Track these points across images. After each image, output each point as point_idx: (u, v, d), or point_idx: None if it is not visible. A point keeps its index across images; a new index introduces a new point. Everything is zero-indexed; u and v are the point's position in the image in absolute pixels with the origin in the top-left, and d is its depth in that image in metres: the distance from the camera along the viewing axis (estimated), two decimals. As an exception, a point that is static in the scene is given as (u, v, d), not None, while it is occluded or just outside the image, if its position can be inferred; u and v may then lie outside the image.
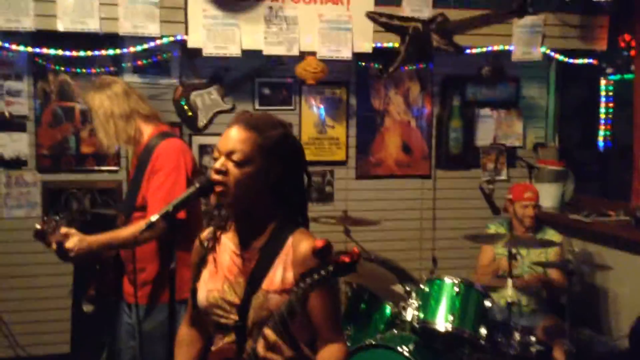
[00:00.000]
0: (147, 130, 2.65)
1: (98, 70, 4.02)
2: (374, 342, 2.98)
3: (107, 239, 2.44)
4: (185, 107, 4.14)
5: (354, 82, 4.50)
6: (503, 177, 4.71)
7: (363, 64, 4.43)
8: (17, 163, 3.95)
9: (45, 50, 3.75)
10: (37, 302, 4.03)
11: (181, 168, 2.55)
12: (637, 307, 3.61)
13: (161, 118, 2.81)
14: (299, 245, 1.57)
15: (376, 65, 4.38)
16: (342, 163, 4.53)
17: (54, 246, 2.36)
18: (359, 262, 1.19)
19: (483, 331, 2.95)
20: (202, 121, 4.17)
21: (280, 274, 1.56)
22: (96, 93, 2.60)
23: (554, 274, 3.70)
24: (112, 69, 4.05)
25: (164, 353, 2.52)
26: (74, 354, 3.93)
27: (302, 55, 4.00)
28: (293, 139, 1.67)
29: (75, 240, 2.33)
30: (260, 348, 1.30)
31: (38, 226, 2.41)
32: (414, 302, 3.13)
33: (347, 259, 1.16)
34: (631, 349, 3.61)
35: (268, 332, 1.30)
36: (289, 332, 1.32)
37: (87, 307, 2.85)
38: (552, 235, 3.79)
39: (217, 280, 1.64)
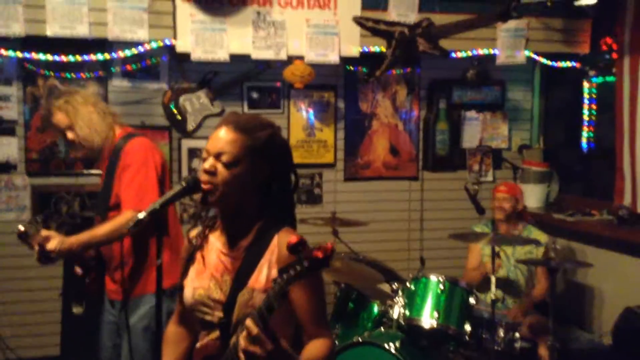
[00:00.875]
0: (115, 132, 2.73)
1: (87, 75, 4.05)
2: (361, 340, 3.02)
3: (87, 238, 2.51)
4: (175, 111, 4.18)
5: (341, 86, 4.56)
6: (489, 178, 4.78)
7: (351, 67, 4.49)
8: (6, 167, 3.97)
9: (34, 56, 3.78)
10: (27, 305, 4.04)
11: (150, 164, 2.63)
12: (620, 304, 3.66)
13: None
14: (283, 243, 1.59)
15: (364, 70, 4.44)
16: (330, 165, 4.58)
17: (36, 248, 2.41)
18: (333, 257, 1.23)
19: (468, 328, 3.00)
20: (191, 125, 4.21)
21: (265, 272, 1.59)
22: (66, 100, 2.65)
23: (539, 274, 3.76)
24: (101, 73, 4.08)
25: (148, 345, 2.63)
26: (64, 356, 3.94)
27: (290, 59, 4.05)
28: (281, 140, 1.69)
29: (55, 242, 2.41)
30: (242, 340, 1.33)
31: (21, 228, 2.48)
32: (400, 300, 3.18)
33: (320, 254, 1.20)
34: (614, 345, 3.67)
35: (250, 324, 1.32)
36: (269, 328, 1.35)
37: (77, 309, 2.88)
38: (537, 234, 3.85)
39: (203, 278, 1.67)
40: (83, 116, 2.63)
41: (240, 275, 1.61)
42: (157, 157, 2.71)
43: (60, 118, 2.64)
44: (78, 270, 2.76)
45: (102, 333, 2.86)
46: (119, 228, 2.48)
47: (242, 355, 1.34)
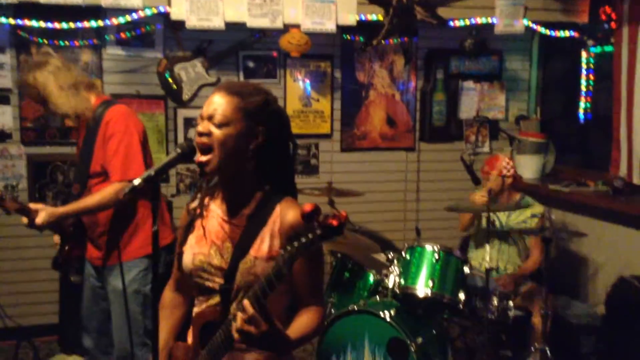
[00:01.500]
0: (92, 100, 2.71)
1: (81, 43, 4.01)
2: (357, 308, 3.05)
3: (77, 209, 2.57)
4: (170, 80, 4.14)
5: (338, 56, 4.52)
6: (485, 149, 4.78)
7: (348, 37, 4.45)
8: (1, 136, 3.96)
9: (27, 23, 3.72)
10: (26, 274, 4.07)
11: (132, 131, 2.64)
12: (614, 274, 3.70)
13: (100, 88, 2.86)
14: (286, 213, 1.59)
15: (361, 39, 4.40)
16: (327, 136, 4.57)
17: (25, 220, 2.46)
18: (346, 224, 1.22)
19: (462, 296, 3.04)
20: (186, 94, 4.18)
21: (267, 241, 1.59)
22: (37, 72, 2.62)
23: (532, 244, 3.78)
24: (95, 42, 4.04)
25: (140, 308, 2.70)
26: (62, 324, 3.99)
27: (286, 27, 4.00)
28: (276, 106, 1.67)
29: (43, 215, 2.46)
30: (239, 319, 1.35)
31: None
32: (395, 269, 3.20)
33: (335, 222, 1.19)
34: (607, 314, 3.73)
35: (247, 304, 1.33)
36: (266, 307, 1.36)
37: (75, 278, 2.91)
38: (534, 205, 3.86)
39: (203, 244, 1.67)
40: (54, 87, 2.60)
41: (242, 243, 1.61)
42: (138, 123, 2.72)
43: (32, 90, 2.63)
44: (56, 238, 2.81)
45: (86, 299, 2.91)
46: (108, 199, 2.55)
47: (236, 334, 1.36)
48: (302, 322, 1.59)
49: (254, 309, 1.33)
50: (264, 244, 1.59)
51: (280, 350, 1.48)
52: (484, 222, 3.59)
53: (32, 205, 2.53)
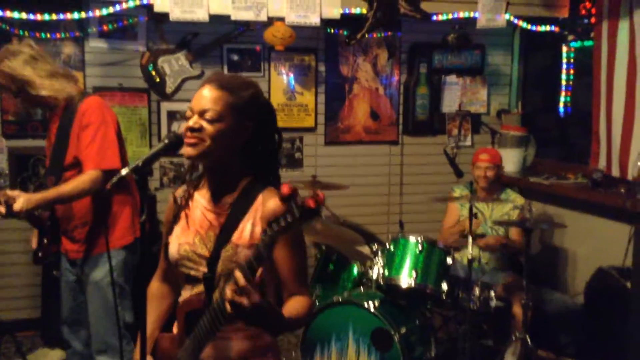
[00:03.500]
0: (71, 89, 2.68)
1: (63, 35, 3.97)
2: (341, 300, 3.08)
3: (53, 196, 2.53)
4: (153, 73, 4.12)
5: (322, 49, 4.54)
6: (467, 143, 4.83)
7: (332, 30, 4.46)
8: (-18, 129, 3.92)
9: (9, 14, 3.68)
10: (7, 268, 4.03)
11: (108, 121, 2.64)
12: (593, 265, 3.76)
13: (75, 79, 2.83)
14: (267, 201, 1.62)
15: (345, 32, 4.42)
16: (311, 129, 4.58)
17: (2, 209, 2.43)
18: (324, 206, 1.23)
19: (445, 287, 3.08)
20: (170, 87, 4.17)
21: (249, 228, 1.61)
22: (12, 61, 2.57)
23: (514, 234, 3.84)
24: (77, 34, 4.00)
25: (111, 299, 2.68)
26: (44, 318, 3.96)
27: (271, 20, 4.00)
28: (264, 100, 1.70)
29: (21, 201, 2.43)
30: (229, 290, 1.36)
31: None
32: (379, 260, 3.24)
33: (312, 204, 1.21)
34: (586, 304, 3.80)
35: (238, 275, 1.34)
36: (255, 280, 1.37)
37: (57, 272, 2.90)
38: (514, 197, 3.93)
39: (188, 234, 1.69)
40: (32, 74, 2.56)
41: (224, 231, 1.63)
42: (113, 115, 2.71)
43: (8, 79, 2.58)
44: (34, 241, 2.79)
45: (64, 293, 2.89)
46: (83, 186, 2.53)
47: (228, 306, 1.36)
48: (291, 306, 1.61)
49: (245, 280, 1.33)
50: (245, 232, 1.61)
51: (272, 325, 1.48)
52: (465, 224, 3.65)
53: (9, 192, 2.48)
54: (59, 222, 2.74)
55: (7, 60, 2.57)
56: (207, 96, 1.59)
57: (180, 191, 1.77)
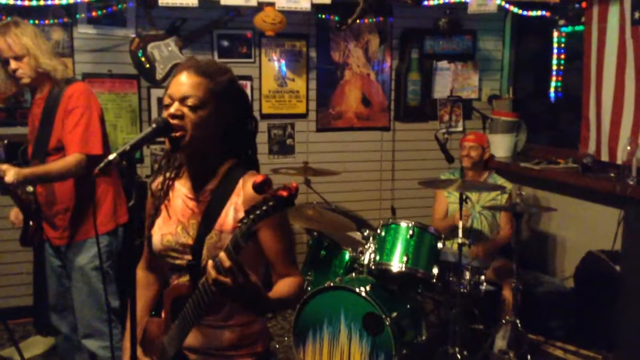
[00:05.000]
0: (67, 72, 2.70)
1: (51, 21, 3.93)
2: (333, 285, 3.09)
3: (42, 172, 2.55)
4: (143, 59, 4.09)
5: (313, 35, 4.52)
6: (459, 128, 4.84)
7: (323, 16, 4.44)
8: (-30, 116, 3.88)
9: (-5, 0, 3.64)
10: (0, 256, 4.02)
11: (93, 107, 2.65)
12: (583, 249, 3.80)
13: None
14: (248, 186, 1.60)
15: (336, 18, 4.39)
16: (302, 116, 4.57)
17: None
18: (297, 196, 1.24)
19: (435, 271, 3.10)
20: (160, 73, 4.14)
21: (232, 214, 1.61)
22: (21, 28, 2.59)
23: (502, 220, 3.86)
24: (66, 20, 3.96)
25: (101, 285, 2.73)
26: (36, 306, 3.96)
27: (261, 6, 3.97)
28: (239, 85, 1.71)
29: (12, 173, 2.43)
30: (212, 271, 1.35)
31: None
32: (371, 246, 3.25)
33: (285, 193, 1.21)
34: (576, 288, 3.84)
35: (223, 256, 1.34)
36: (239, 262, 1.37)
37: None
38: (502, 182, 3.94)
39: (170, 224, 1.68)
40: (33, 43, 2.58)
41: (207, 218, 1.62)
42: (97, 102, 2.72)
43: (12, 45, 2.57)
44: (12, 215, 2.83)
45: (49, 279, 2.92)
46: (68, 168, 2.55)
47: (213, 287, 1.36)
48: (279, 287, 1.61)
49: (230, 261, 1.33)
50: (228, 217, 1.60)
51: (258, 306, 1.48)
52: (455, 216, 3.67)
53: (0, 166, 2.47)
54: (41, 208, 2.75)
55: (14, 27, 2.59)
56: (186, 82, 1.57)
57: (156, 183, 1.76)
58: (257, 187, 1.27)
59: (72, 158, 2.56)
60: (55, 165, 2.57)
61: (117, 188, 2.82)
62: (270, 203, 1.22)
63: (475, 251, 3.62)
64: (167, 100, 1.60)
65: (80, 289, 2.78)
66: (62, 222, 2.74)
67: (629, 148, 3.53)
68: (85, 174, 2.59)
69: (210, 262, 1.36)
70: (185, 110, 1.56)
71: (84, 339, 2.83)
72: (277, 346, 3.59)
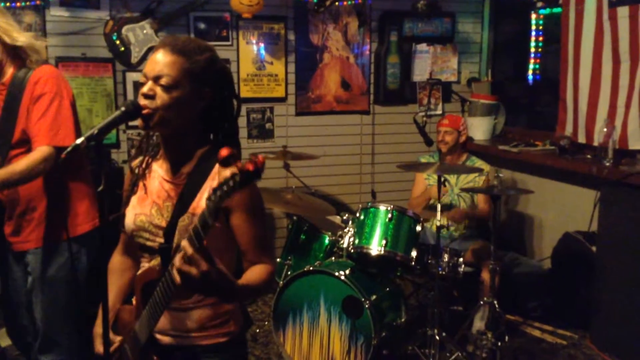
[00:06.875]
0: (42, 52, 2.39)
1: (23, 3, 3.83)
2: (312, 269, 3.08)
3: (5, 175, 2.20)
4: (117, 42, 4.02)
5: (292, 17, 4.47)
6: (438, 111, 4.84)
7: (301, -2, 4.39)
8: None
9: (-38, -19, 3.54)
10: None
11: (63, 93, 2.33)
12: (560, 231, 3.84)
13: None
14: (224, 170, 1.59)
15: (314, 0, 4.35)
16: (281, 99, 4.54)
17: None
18: (263, 169, 1.20)
19: (414, 254, 3.10)
20: (135, 57, 4.07)
21: (205, 197, 1.59)
22: None
23: (480, 201, 3.89)
24: (38, 2, 3.87)
25: (70, 297, 2.43)
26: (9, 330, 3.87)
27: (237, -13, 3.92)
28: (221, 64, 1.64)
29: None
30: (177, 260, 1.32)
31: None
32: (350, 229, 3.25)
33: (251, 167, 1.18)
34: (553, 269, 3.88)
35: (185, 244, 1.30)
36: (204, 248, 1.33)
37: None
38: (480, 164, 3.96)
39: (145, 205, 1.66)
40: (3, 25, 2.28)
41: (182, 201, 1.60)
42: (69, 87, 2.39)
43: None
44: None
45: (12, 292, 2.56)
46: (36, 165, 2.21)
47: (177, 276, 1.32)
48: (249, 275, 1.58)
49: (192, 249, 1.30)
50: (202, 201, 1.57)
51: (225, 295, 1.45)
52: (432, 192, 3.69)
53: None
54: (3, 208, 2.41)
55: None
56: (161, 61, 1.54)
57: (137, 162, 1.73)
58: (222, 161, 1.23)
59: (38, 154, 2.22)
60: (19, 164, 2.21)
61: (91, 185, 2.49)
62: (237, 178, 1.19)
63: (451, 214, 3.64)
64: (142, 79, 1.57)
65: (45, 301, 2.42)
66: (26, 223, 2.40)
67: (605, 130, 3.56)
68: (55, 171, 2.29)
69: (179, 254, 1.32)
70: (158, 90, 1.52)
71: (41, 354, 2.49)
72: (258, 330, 3.59)
